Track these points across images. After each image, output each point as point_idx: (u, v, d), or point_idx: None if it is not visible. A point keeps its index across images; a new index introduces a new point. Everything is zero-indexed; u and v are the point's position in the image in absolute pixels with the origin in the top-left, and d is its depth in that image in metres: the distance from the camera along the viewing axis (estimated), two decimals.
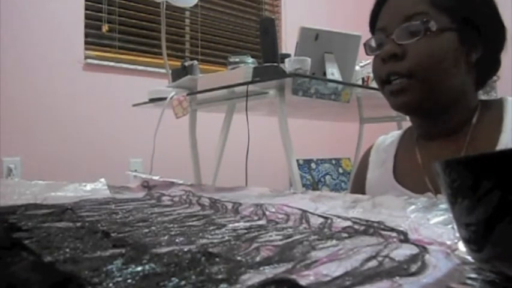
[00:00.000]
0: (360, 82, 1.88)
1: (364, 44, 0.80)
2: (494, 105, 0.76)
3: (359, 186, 0.89)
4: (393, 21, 0.73)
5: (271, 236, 0.34)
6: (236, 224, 0.39)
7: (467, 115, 0.75)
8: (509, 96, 0.77)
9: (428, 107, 0.73)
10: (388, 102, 0.77)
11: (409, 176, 0.79)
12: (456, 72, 0.72)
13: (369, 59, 0.88)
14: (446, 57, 0.70)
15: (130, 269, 0.24)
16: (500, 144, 0.70)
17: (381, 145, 0.90)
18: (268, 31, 1.48)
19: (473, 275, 0.24)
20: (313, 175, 3.53)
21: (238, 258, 0.27)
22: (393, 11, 0.74)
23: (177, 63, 2.20)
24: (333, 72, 1.64)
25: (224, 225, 0.39)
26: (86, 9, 2.73)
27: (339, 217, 0.40)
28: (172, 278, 0.22)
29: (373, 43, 0.77)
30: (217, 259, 0.26)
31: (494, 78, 0.79)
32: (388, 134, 0.92)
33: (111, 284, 0.21)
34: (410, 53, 0.70)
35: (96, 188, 0.69)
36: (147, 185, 0.73)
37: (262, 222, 0.41)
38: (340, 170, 3.73)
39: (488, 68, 0.76)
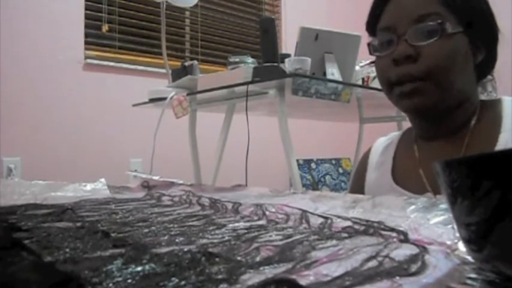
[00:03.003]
0: (360, 82, 1.88)
1: (368, 44, 0.79)
2: (493, 105, 0.76)
3: (358, 188, 0.88)
4: (403, 20, 0.71)
5: (271, 236, 0.34)
6: (236, 224, 0.39)
7: (468, 116, 0.75)
8: (507, 96, 0.77)
9: (440, 109, 0.72)
10: (397, 104, 0.75)
11: (407, 177, 0.79)
12: (466, 74, 0.72)
13: (370, 59, 0.87)
14: (459, 59, 0.70)
15: (130, 269, 0.24)
16: (500, 144, 0.70)
17: (379, 147, 0.90)
18: (268, 31, 1.48)
19: (473, 275, 0.24)
20: (313, 175, 3.53)
21: (238, 258, 0.27)
22: (402, 10, 0.72)
23: (177, 63, 2.20)
24: (333, 72, 1.64)
25: (224, 225, 0.39)
26: (86, 9, 2.73)
27: (339, 217, 0.40)
28: (172, 278, 0.22)
29: (378, 43, 0.75)
30: (217, 259, 0.26)
31: (489, 77, 0.79)
32: (386, 136, 0.92)
33: (111, 284, 0.21)
34: (425, 54, 0.69)
35: (96, 188, 0.69)
36: (147, 185, 0.73)
37: (262, 222, 0.41)
38: (340, 170, 3.73)
39: (487, 67, 0.76)
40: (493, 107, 0.76)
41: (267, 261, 0.26)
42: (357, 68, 1.86)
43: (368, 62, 1.80)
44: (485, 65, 0.75)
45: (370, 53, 0.78)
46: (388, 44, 0.73)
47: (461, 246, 0.29)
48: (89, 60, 2.71)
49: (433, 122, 0.76)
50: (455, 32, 0.69)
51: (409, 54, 0.69)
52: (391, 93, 0.75)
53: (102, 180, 0.73)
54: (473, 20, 0.71)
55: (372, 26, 0.78)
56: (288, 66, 1.48)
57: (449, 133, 0.76)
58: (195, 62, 1.92)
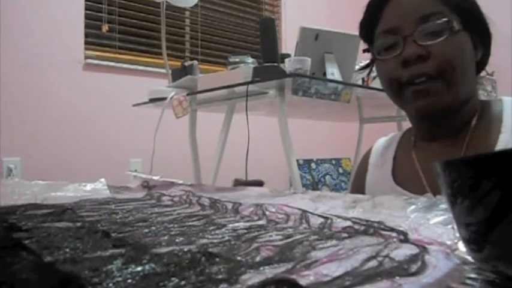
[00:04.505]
0: (360, 82, 1.88)
1: (365, 50, 0.78)
2: (493, 105, 0.76)
3: (358, 189, 0.88)
4: (408, 21, 0.71)
5: (271, 236, 0.34)
6: (236, 224, 0.39)
7: (469, 116, 0.75)
8: (508, 97, 0.77)
9: (450, 108, 0.72)
10: (408, 104, 0.74)
11: (408, 177, 0.79)
12: (471, 72, 0.73)
13: (365, 62, 0.87)
14: (466, 56, 0.71)
15: (130, 269, 0.24)
16: (500, 144, 0.70)
17: (379, 147, 0.90)
18: (268, 31, 1.48)
19: (473, 275, 0.24)
20: (313, 175, 3.53)
21: (238, 258, 0.27)
22: (405, 11, 0.72)
23: (177, 63, 2.20)
24: (333, 72, 1.64)
25: (224, 225, 0.39)
26: (86, 9, 2.73)
27: (339, 217, 0.40)
28: (172, 278, 0.22)
29: (379, 46, 0.74)
30: (217, 259, 0.26)
31: (483, 73, 0.79)
32: (387, 136, 0.92)
33: (111, 284, 0.21)
34: (435, 53, 0.69)
35: (96, 188, 0.69)
36: (147, 185, 0.73)
37: (262, 222, 0.41)
38: (340, 170, 3.73)
39: (483, 64, 0.77)
40: (493, 108, 0.76)
41: (267, 261, 0.26)
42: (357, 68, 1.86)
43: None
44: (482, 63, 0.76)
45: (374, 57, 0.77)
46: (390, 46, 0.73)
47: (461, 246, 0.29)
48: (89, 60, 2.71)
49: (437, 123, 0.76)
50: (460, 30, 0.70)
51: (420, 54, 0.69)
52: (399, 94, 0.74)
53: (102, 180, 0.73)
54: (471, 18, 0.71)
55: (367, 31, 0.78)
56: (288, 66, 1.48)
57: (450, 134, 0.76)
58: (195, 62, 1.92)
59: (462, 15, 0.70)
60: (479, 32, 0.73)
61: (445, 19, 0.69)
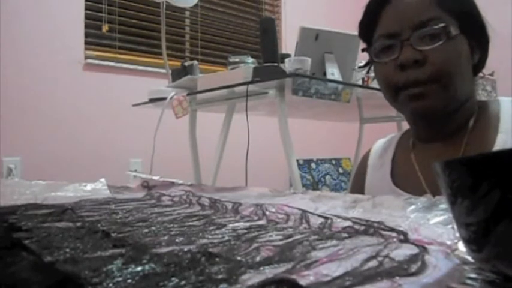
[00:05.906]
0: (360, 82, 1.88)
1: (364, 49, 0.78)
2: (491, 106, 0.76)
3: (358, 190, 0.88)
4: (406, 26, 0.71)
5: (271, 236, 0.34)
6: (236, 224, 0.39)
7: (467, 117, 0.75)
8: (505, 97, 0.77)
9: (446, 110, 0.72)
10: (404, 107, 0.75)
11: (406, 179, 0.79)
12: (468, 76, 0.73)
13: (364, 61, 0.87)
14: (462, 61, 0.71)
15: (130, 269, 0.24)
16: (497, 145, 0.70)
17: (378, 149, 0.90)
18: (268, 31, 1.48)
19: (473, 275, 0.24)
20: (313, 175, 3.53)
21: (238, 258, 0.27)
22: (403, 15, 0.72)
23: (177, 63, 2.20)
24: (333, 72, 1.64)
25: (224, 225, 0.39)
26: (86, 9, 2.73)
27: (339, 217, 0.40)
28: (172, 278, 0.22)
29: (377, 49, 0.75)
30: (217, 259, 0.26)
31: (480, 75, 0.79)
32: (386, 138, 0.92)
33: (111, 284, 0.21)
34: (432, 58, 0.69)
35: (96, 188, 0.69)
36: (147, 185, 0.73)
37: (262, 222, 0.41)
38: (340, 170, 3.73)
39: (481, 67, 0.77)
40: (490, 108, 0.76)
41: (267, 261, 0.26)
42: (357, 68, 1.86)
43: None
44: (479, 66, 0.76)
45: (372, 60, 0.78)
46: (388, 49, 0.73)
47: (461, 246, 0.28)
48: (89, 60, 2.71)
49: (435, 124, 0.76)
50: (457, 34, 0.70)
51: (417, 59, 0.69)
52: (396, 97, 0.74)
53: (102, 180, 0.73)
54: (469, 22, 0.71)
55: (366, 33, 0.78)
56: (288, 66, 1.48)
57: (448, 135, 0.76)
58: (195, 62, 1.92)
59: (460, 19, 0.70)
60: (477, 35, 0.73)
61: (442, 24, 0.69)
